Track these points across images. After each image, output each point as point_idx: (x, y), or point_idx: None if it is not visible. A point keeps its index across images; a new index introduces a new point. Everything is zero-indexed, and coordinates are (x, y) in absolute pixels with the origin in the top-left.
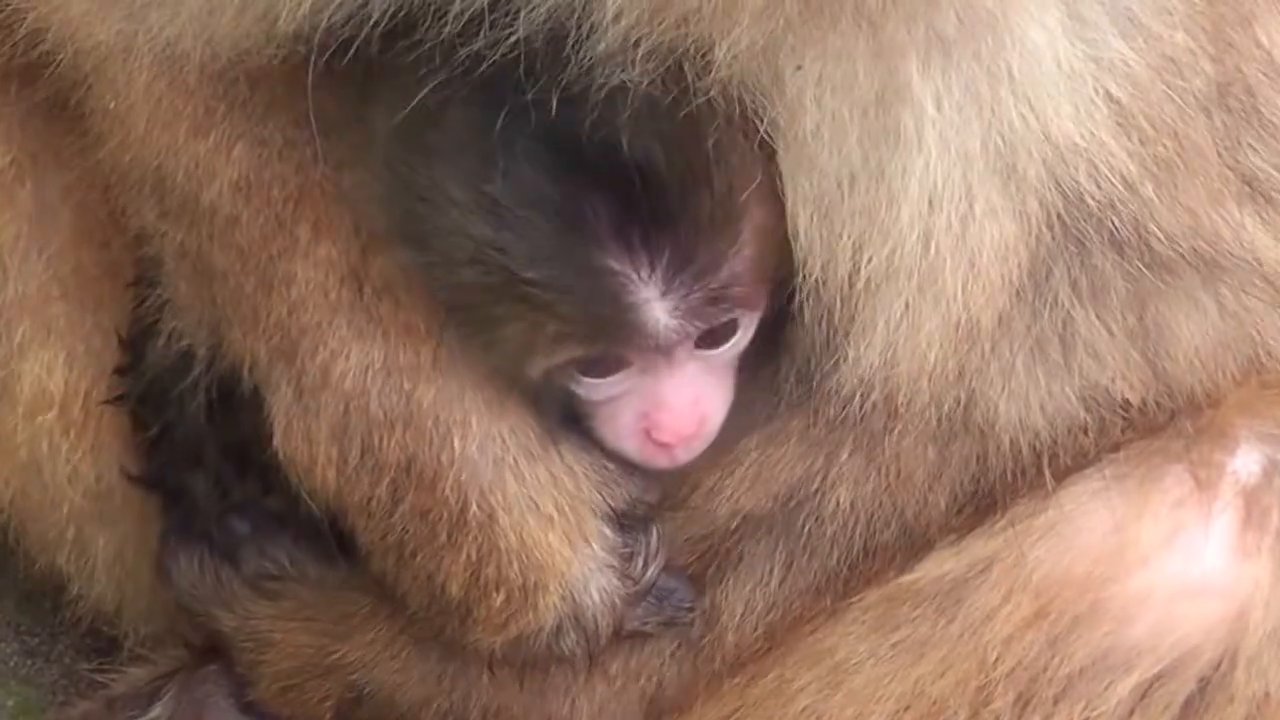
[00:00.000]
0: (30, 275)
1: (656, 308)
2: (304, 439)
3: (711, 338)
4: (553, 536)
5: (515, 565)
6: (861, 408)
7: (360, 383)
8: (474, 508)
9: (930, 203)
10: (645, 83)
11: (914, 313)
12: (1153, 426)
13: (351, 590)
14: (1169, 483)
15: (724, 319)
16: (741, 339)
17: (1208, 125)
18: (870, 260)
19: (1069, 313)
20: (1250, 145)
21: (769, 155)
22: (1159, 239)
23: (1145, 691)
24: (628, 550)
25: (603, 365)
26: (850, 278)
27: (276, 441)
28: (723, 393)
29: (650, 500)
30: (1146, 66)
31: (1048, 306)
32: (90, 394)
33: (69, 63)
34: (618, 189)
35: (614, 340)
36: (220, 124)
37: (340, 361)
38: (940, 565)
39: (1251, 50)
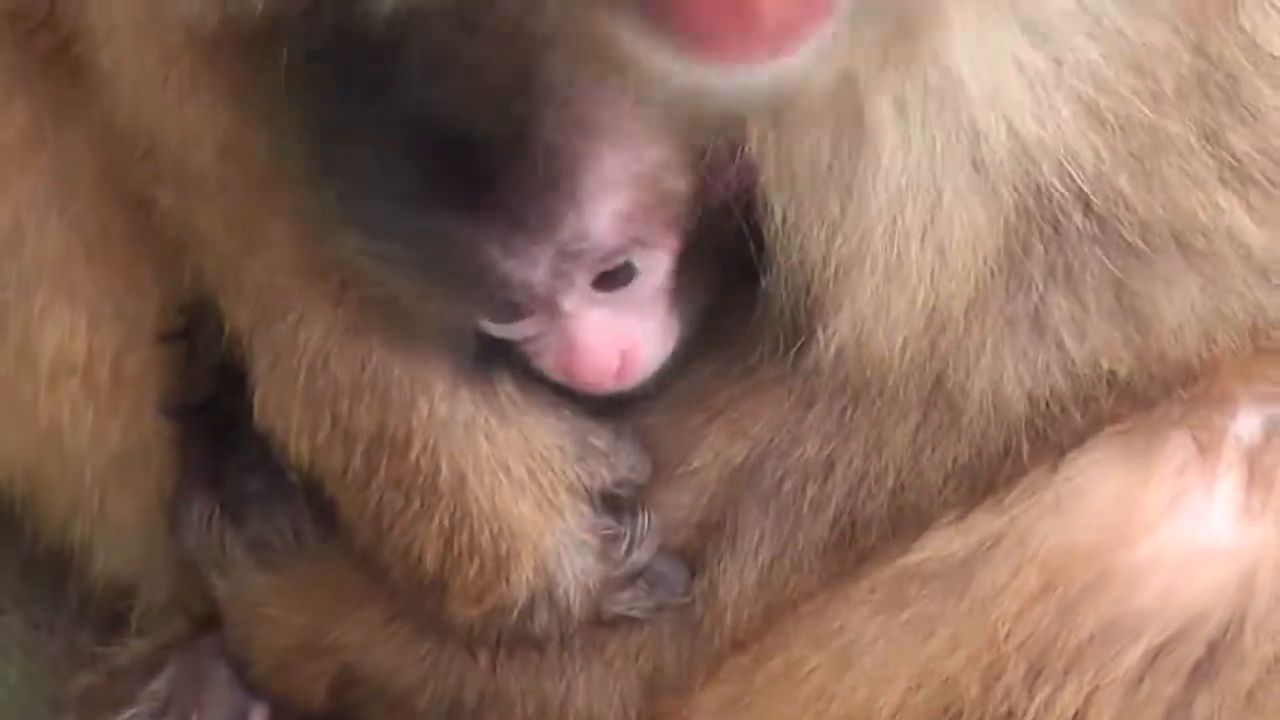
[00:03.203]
0: (50, 237)
1: (506, 267)
2: (278, 408)
3: (609, 280)
4: (524, 504)
5: (487, 532)
6: (833, 379)
7: (323, 347)
8: (444, 472)
9: (899, 194)
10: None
11: (881, 298)
12: (1149, 396)
13: (350, 569)
14: (1171, 449)
15: (609, 266)
16: (646, 278)
17: (1185, 114)
18: (841, 246)
19: (1043, 295)
20: (1232, 130)
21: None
22: (1134, 226)
23: (1154, 657)
24: (612, 533)
25: (502, 313)
26: (823, 261)
27: (256, 412)
28: (649, 323)
29: (638, 480)
30: (1117, 64)
31: (1021, 290)
32: (119, 356)
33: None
34: (453, 161)
35: (483, 302)
36: (206, 89)
37: (306, 326)
38: (947, 544)
39: (1234, 35)
